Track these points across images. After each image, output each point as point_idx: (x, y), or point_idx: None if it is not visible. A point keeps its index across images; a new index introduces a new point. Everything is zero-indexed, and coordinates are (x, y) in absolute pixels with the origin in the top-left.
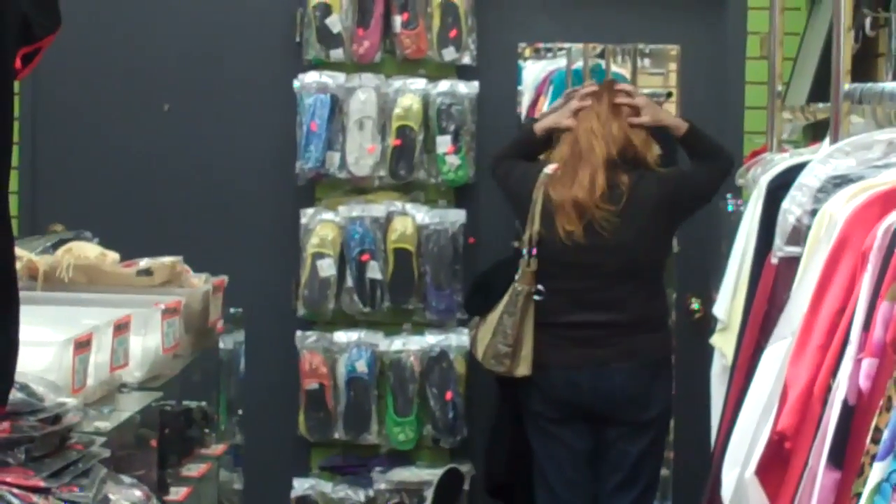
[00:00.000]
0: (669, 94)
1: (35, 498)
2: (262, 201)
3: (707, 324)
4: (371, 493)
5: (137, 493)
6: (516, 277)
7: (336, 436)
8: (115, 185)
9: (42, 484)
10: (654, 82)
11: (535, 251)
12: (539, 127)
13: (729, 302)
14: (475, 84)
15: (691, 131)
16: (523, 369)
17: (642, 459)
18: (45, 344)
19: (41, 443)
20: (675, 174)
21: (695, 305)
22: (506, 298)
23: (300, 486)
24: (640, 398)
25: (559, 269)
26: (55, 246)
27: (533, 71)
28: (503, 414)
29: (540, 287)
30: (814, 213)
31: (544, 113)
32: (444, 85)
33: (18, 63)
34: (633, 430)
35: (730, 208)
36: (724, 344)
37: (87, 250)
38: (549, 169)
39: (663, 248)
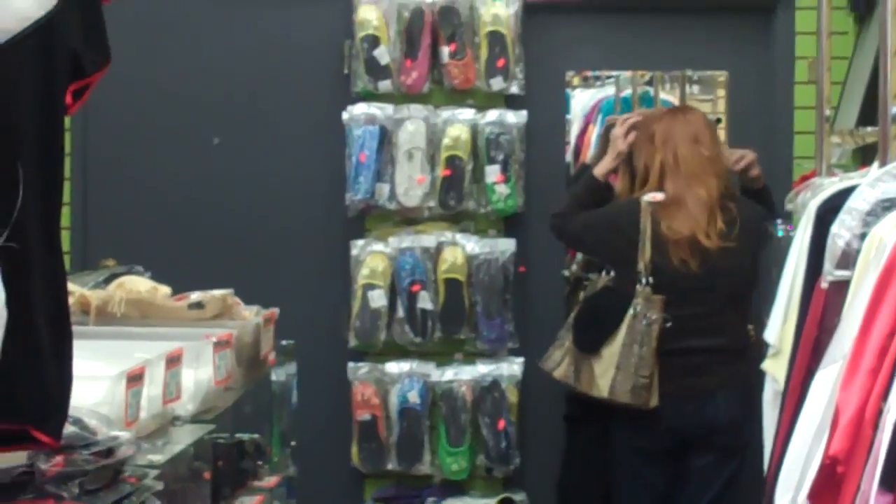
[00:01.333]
0: (718, 121)
1: None
2: (313, 233)
3: (758, 349)
4: None
5: None
6: (638, 308)
7: (389, 466)
8: (166, 219)
9: None
10: (703, 109)
11: (651, 279)
12: (599, 173)
13: (780, 327)
14: (523, 113)
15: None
16: (654, 400)
17: (730, 482)
18: (97, 378)
19: (95, 476)
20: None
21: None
22: (624, 329)
23: None
24: (740, 424)
25: (673, 295)
26: (107, 280)
27: (581, 99)
28: (575, 455)
29: (666, 315)
30: (863, 236)
31: (592, 158)
32: (492, 114)
33: (69, 99)
34: (727, 455)
35: (779, 233)
36: (775, 369)
37: (139, 284)
38: (652, 197)
39: (757, 272)
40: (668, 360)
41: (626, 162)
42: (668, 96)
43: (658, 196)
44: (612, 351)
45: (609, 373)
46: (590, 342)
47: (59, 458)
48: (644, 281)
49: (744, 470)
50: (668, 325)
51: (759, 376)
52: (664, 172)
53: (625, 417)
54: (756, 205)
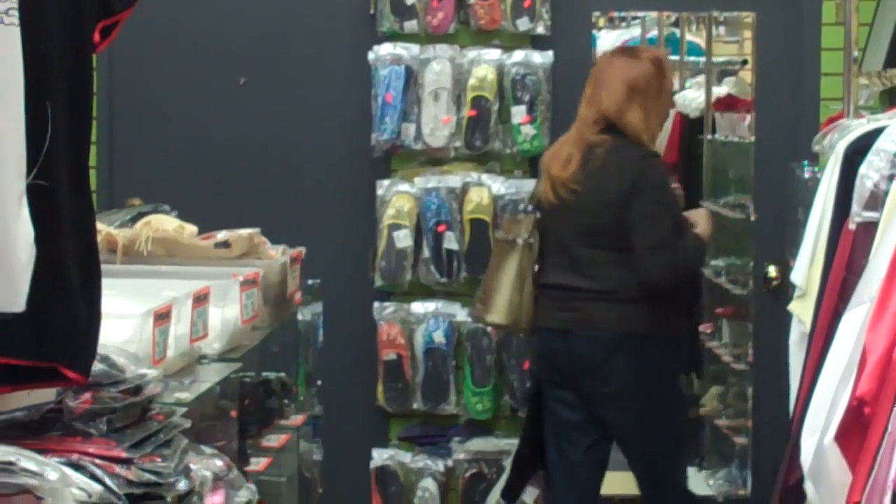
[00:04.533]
0: (745, 62)
1: (117, 468)
2: (338, 173)
3: (784, 291)
4: (450, 462)
5: (219, 462)
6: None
7: (414, 406)
8: (192, 159)
9: (124, 454)
10: (729, 50)
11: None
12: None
13: (807, 269)
14: (549, 54)
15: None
16: (525, 324)
17: (631, 439)
18: (125, 316)
19: (122, 414)
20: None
21: (771, 273)
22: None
23: (379, 456)
24: (597, 368)
25: (540, 221)
26: (134, 220)
27: (607, 40)
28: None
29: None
30: (891, 178)
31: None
32: (518, 55)
33: (97, 37)
34: (593, 408)
35: (806, 175)
36: (802, 311)
37: (166, 223)
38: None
39: (624, 220)
40: (541, 292)
41: None
42: (695, 38)
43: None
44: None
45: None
46: None
47: (87, 396)
48: (528, 209)
49: (646, 427)
50: (532, 242)
51: (785, 318)
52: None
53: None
54: (634, 157)
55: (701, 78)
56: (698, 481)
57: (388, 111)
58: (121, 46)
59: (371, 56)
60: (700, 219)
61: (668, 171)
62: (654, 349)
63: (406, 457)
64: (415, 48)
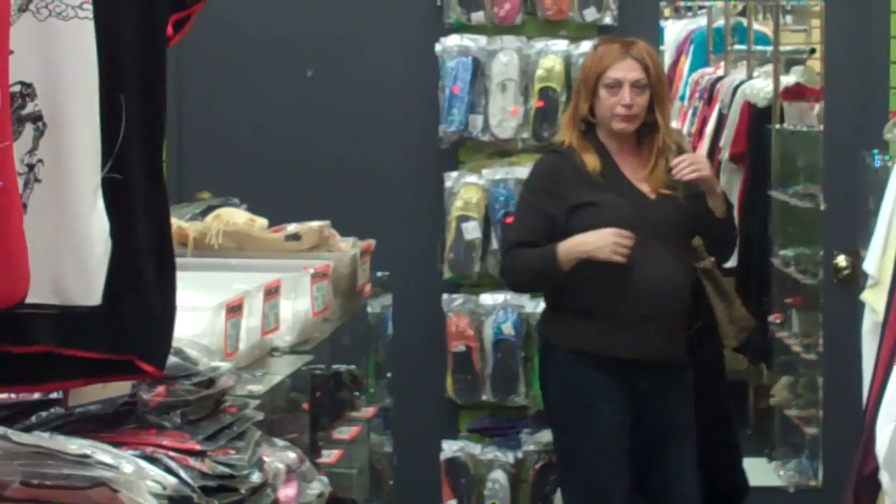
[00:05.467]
0: (812, 51)
1: (191, 461)
2: (406, 165)
3: (854, 281)
4: (519, 454)
5: (291, 455)
6: None
7: (484, 398)
8: (261, 152)
9: (198, 447)
10: (796, 39)
11: None
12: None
13: (879, 258)
14: None
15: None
16: None
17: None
18: (197, 309)
19: (196, 406)
20: None
21: (841, 262)
22: None
23: (449, 448)
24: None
25: None
26: (204, 213)
27: (674, 30)
28: None
29: None
30: None
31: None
32: (585, 46)
33: (170, 30)
34: None
35: (877, 164)
36: (875, 300)
37: (236, 216)
38: None
39: None
40: None
41: None
42: (762, 27)
43: None
44: None
45: None
46: None
47: (161, 389)
48: None
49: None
50: None
51: (857, 307)
52: None
53: None
54: None
55: (769, 67)
56: (768, 472)
57: (455, 103)
58: (189, 40)
59: (438, 48)
60: (591, 238)
61: (548, 168)
62: (547, 357)
63: (476, 448)
64: (482, 39)
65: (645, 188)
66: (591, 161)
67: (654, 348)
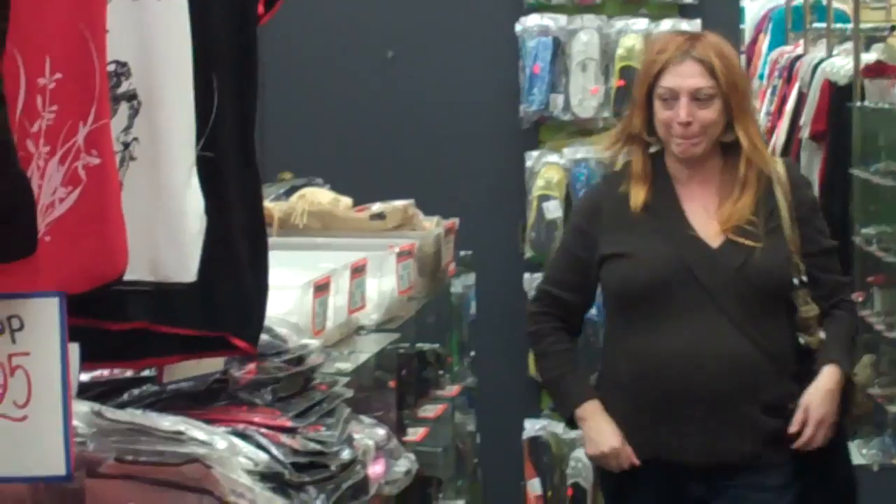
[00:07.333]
0: (893, 28)
1: (282, 437)
2: (487, 145)
3: None
4: None
5: (380, 432)
6: None
7: None
8: (342, 133)
9: (289, 423)
10: (876, 17)
11: None
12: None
13: None
14: (697, 23)
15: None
16: None
17: None
18: (286, 287)
19: (286, 384)
20: None
21: None
22: None
23: (531, 427)
24: None
25: None
26: (287, 193)
27: (753, 8)
28: None
29: None
30: None
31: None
32: (666, 24)
33: (261, 8)
34: None
35: None
36: None
37: (321, 196)
38: None
39: None
40: None
41: None
42: (841, 5)
43: None
44: None
45: None
46: None
47: (251, 366)
48: None
49: None
50: None
51: None
52: None
53: None
54: None
55: (848, 45)
56: (851, 450)
57: (535, 82)
58: (272, 21)
59: (518, 28)
60: (593, 435)
61: (589, 201)
62: None
63: (558, 427)
64: (562, 19)
65: (710, 231)
66: (637, 195)
67: (700, 445)
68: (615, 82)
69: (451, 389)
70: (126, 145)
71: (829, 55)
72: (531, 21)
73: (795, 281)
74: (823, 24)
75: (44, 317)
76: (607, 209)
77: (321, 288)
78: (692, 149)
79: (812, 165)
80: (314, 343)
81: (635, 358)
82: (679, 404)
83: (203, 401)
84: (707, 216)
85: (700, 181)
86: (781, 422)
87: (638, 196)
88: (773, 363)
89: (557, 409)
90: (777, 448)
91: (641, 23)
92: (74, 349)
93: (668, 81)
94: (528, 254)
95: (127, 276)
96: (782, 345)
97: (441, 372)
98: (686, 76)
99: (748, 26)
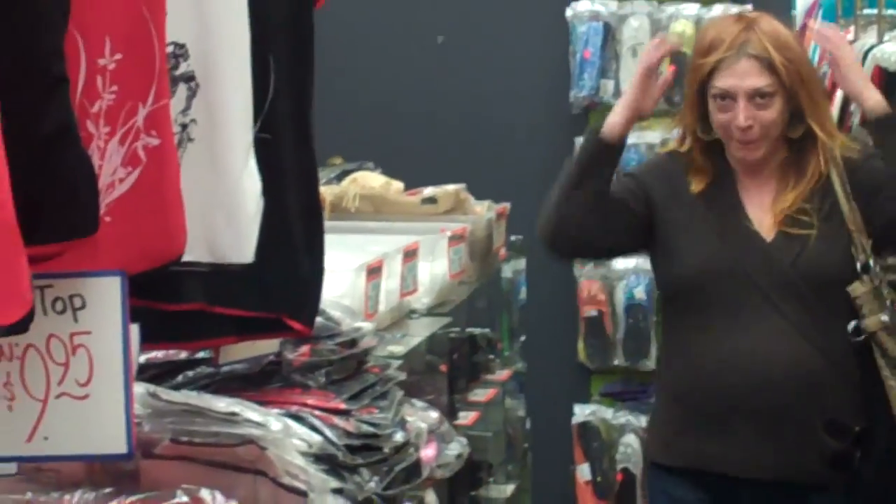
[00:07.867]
0: None
1: (336, 420)
2: (538, 130)
3: None
4: None
5: (433, 415)
6: None
7: (615, 362)
8: (393, 117)
9: (342, 406)
10: None
11: None
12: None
13: None
14: (748, 8)
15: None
16: None
17: None
18: (338, 270)
19: (340, 366)
20: None
21: None
22: None
23: (581, 412)
24: None
25: None
26: (339, 177)
27: None
28: None
29: None
30: None
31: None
32: (717, 9)
33: None
34: None
35: None
36: None
37: (372, 180)
38: None
39: None
40: None
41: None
42: None
43: None
44: None
45: None
46: None
47: (305, 349)
48: None
49: None
50: None
51: None
52: None
53: None
54: None
55: None
56: None
57: (586, 68)
58: (325, 4)
59: (568, 13)
60: None
61: (654, 162)
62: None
63: (608, 413)
64: (612, 4)
65: (765, 224)
66: (697, 181)
67: (753, 458)
68: (666, 68)
69: (502, 374)
70: (184, 126)
71: (880, 41)
72: (582, 6)
73: (858, 265)
74: (874, 10)
75: (106, 296)
76: (669, 181)
77: (374, 271)
78: (753, 153)
79: None
80: (367, 326)
81: (688, 360)
82: (730, 414)
83: (257, 383)
84: (762, 210)
85: (764, 175)
86: (846, 444)
87: (698, 182)
88: (834, 369)
89: (587, 168)
90: (837, 471)
91: (692, 8)
92: (135, 329)
93: (723, 82)
94: None
95: (185, 257)
96: (843, 347)
97: (491, 356)
98: (743, 76)
99: (798, 12)
